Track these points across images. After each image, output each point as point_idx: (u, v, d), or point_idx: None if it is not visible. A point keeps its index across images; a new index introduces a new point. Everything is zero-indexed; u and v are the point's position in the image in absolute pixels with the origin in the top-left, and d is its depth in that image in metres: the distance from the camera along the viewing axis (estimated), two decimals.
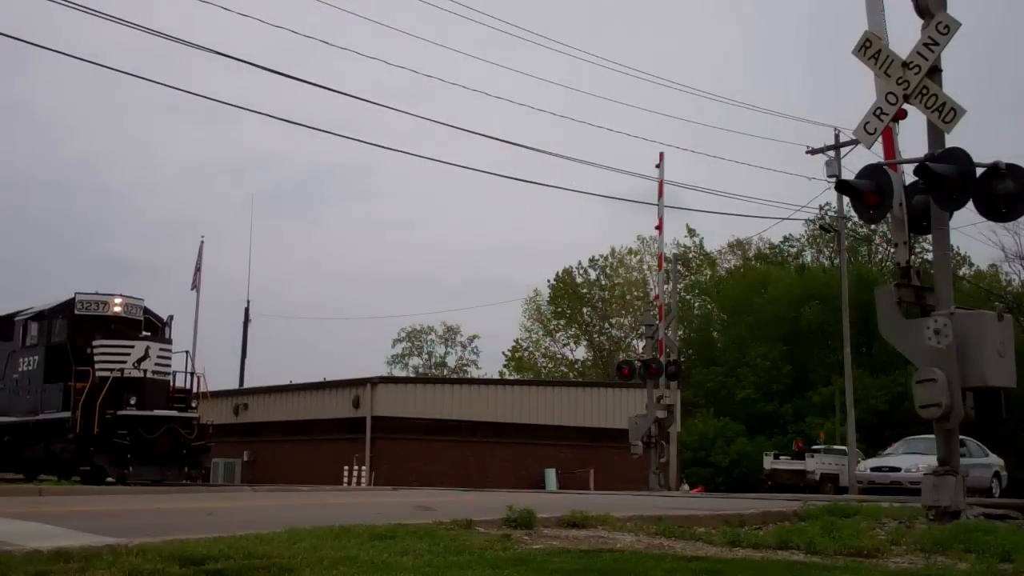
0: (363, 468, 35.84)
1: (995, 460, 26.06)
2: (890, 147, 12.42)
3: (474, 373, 78.22)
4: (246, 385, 49.48)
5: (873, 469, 26.29)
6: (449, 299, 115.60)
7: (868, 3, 12.30)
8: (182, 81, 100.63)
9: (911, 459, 25.38)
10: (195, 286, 37.15)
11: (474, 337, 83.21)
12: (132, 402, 22.08)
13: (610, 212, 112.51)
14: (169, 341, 24.50)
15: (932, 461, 24.68)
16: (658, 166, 31.33)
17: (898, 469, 25.13)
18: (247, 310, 54.90)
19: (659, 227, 32.25)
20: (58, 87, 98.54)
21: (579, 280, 73.71)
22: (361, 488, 31.07)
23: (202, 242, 38.49)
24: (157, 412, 22.42)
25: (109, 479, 21.77)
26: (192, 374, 24.30)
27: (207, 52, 44.32)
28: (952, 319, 10.99)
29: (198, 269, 37.41)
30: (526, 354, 75.80)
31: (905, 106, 11.72)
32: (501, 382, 51.25)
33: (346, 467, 35.33)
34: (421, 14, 59.08)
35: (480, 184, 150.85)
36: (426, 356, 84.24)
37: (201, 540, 6.77)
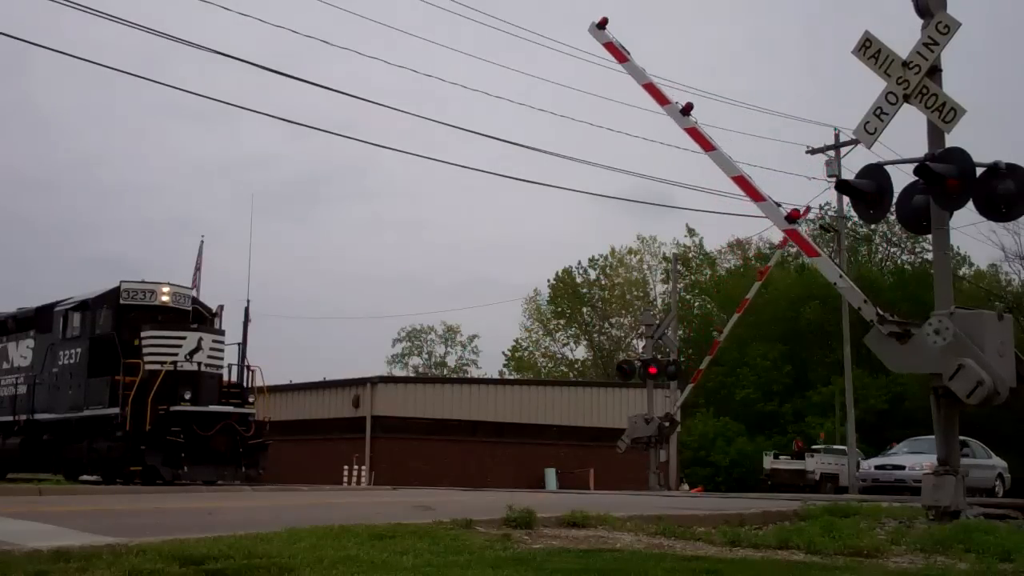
0: (363, 468, 35.81)
1: (998, 462, 26.16)
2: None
3: (474, 373, 78.37)
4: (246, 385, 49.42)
5: (877, 467, 26.61)
6: (449, 299, 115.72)
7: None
8: (181, 81, 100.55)
9: (915, 458, 25.58)
10: (194, 286, 37.04)
11: (474, 337, 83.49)
12: (187, 397, 20.69)
13: (610, 211, 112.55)
14: (222, 332, 23.02)
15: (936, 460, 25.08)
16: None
17: (902, 468, 25.37)
18: (247, 310, 54.75)
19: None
20: (57, 87, 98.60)
21: (579, 280, 73.76)
22: (361, 488, 31.04)
23: (202, 241, 38.27)
24: (213, 408, 21.11)
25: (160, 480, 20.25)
26: (248, 367, 23.15)
27: (207, 52, 44.30)
28: (952, 319, 10.98)
29: (198, 269, 37.25)
30: (526, 354, 75.86)
31: (903, 107, 11.73)
32: (501, 382, 51.21)
33: (346, 467, 35.28)
34: (421, 14, 58.99)
35: (480, 184, 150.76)
36: (426, 356, 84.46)
37: (201, 540, 6.76)
